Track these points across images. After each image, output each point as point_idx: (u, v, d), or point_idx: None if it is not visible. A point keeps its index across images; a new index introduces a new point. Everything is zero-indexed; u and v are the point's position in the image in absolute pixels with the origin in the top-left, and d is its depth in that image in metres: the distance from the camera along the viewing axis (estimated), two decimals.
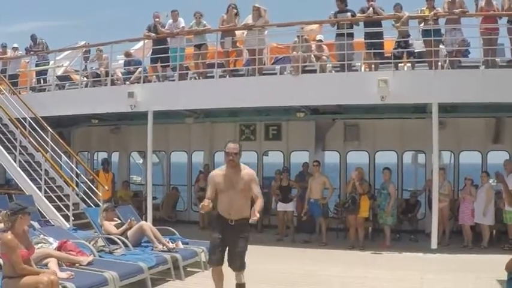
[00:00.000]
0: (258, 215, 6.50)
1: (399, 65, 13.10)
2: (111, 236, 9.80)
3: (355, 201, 12.74)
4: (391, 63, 12.78)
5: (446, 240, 12.88)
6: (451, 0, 12.48)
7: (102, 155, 19.16)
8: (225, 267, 6.99)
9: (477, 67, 12.42)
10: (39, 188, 13.28)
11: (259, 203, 6.68)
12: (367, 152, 16.29)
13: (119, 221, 10.45)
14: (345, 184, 15.06)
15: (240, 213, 6.80)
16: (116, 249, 9.37)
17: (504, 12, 12.38)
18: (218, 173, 6.99)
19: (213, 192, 6.83)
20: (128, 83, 15.02)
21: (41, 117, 14.44)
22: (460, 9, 12.35)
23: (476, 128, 15.09)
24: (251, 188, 6.79)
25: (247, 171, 6.90)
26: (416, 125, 14.76)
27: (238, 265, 6.82)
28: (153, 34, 14.75)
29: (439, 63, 12.53)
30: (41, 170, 13.63)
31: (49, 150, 14.12)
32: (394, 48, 12.87)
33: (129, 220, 10.20)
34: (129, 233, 9.93)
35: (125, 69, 15.67)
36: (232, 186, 6.79)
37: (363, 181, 13.08)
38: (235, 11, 14.13)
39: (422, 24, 12.84)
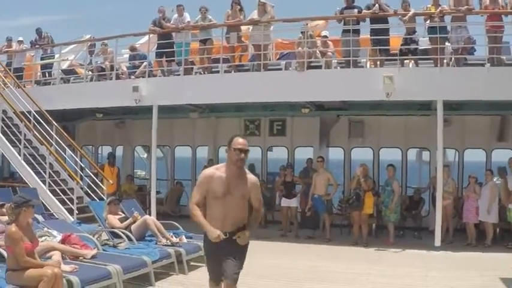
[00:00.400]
0: (247, 236, 5.61)
1: (405, 61, 13.07)
2: (115, 230, 9.84)
3: (359, 197, 12.75)
4: (396, 60, 12.77)
5: (450, 237, 12.86)
6: None
7: (107, 149, 19.18)
8: None
9: (482, 65, 12.36)
10: (44, 182, 13.31)
11: (255, 218, 5.76)
12: (372, 148, 16.25)
13: (123, 215, 10.47)
14: (349, 180, 15.06)
15: (236, 224, 5.61)
16: (120, 243, 9.39)
17: (510, 10, 12.30)
18: (214, 174, 5.64)
19: (202, 197, 5.61)
20: (132, 77, 15.03)
21: (45, 110, 14.44)
22: (466, 7, 12.29)
23: (481, 125, 15.05)
24: (253, 197, 5.70)
25: (252, 177, 5.76)
26: (421, 122, 14.74)
27: (231, 273, 5.57)
28: (158, 28, 14.76)
29: (445, 61, 12.51)
30: (45, 163, 13.66)
31: (53, 144, 14.12)
32: (402, 45, 12.81)
33: (133, 214, 10.24)
34: (133, 227, 9.96)
35: (130, 63, 15.69)
36: (230, 191, 5.57)
37: (368, 177, 13.08)
38: (238, 6, 14.13)
39: (428, 22, 12.79)
